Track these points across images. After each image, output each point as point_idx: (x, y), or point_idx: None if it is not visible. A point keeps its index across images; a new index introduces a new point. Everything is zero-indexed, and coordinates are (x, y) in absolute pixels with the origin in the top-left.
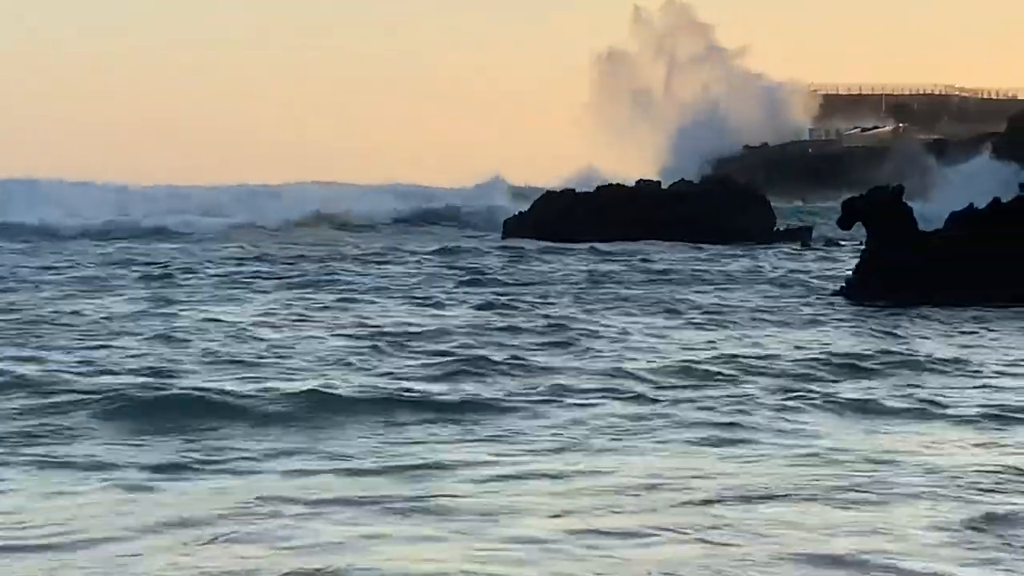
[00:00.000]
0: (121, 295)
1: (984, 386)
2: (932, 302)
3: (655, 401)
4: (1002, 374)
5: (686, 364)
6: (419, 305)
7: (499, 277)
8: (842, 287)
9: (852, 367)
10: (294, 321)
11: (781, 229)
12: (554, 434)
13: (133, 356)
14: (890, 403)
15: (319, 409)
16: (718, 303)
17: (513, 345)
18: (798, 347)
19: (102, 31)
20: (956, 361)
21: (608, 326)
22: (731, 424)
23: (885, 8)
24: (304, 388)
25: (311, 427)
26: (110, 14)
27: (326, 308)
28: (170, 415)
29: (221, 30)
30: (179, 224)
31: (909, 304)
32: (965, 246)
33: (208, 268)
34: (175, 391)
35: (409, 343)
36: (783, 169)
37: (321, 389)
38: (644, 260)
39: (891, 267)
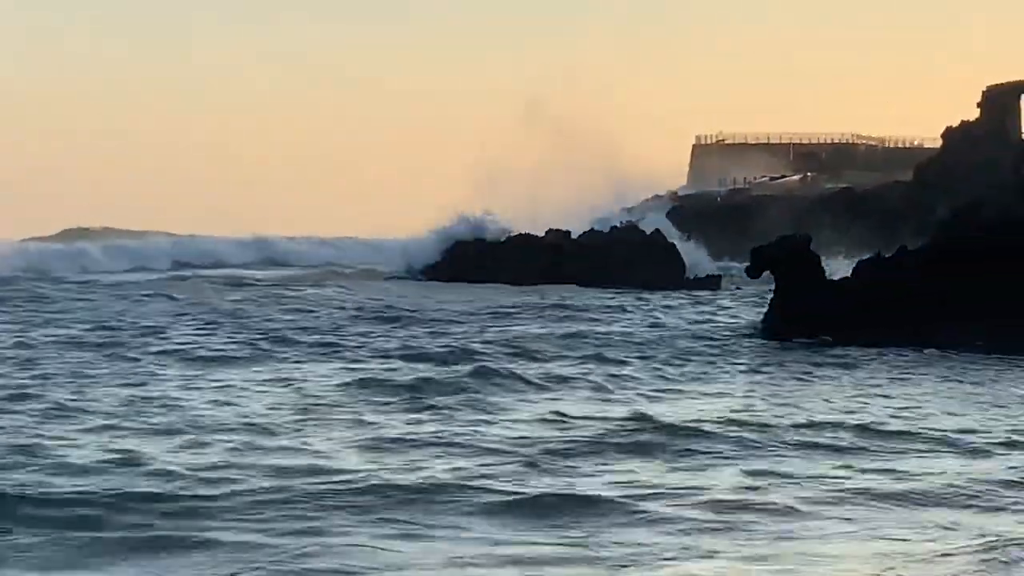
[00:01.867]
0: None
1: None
2: (841, 345)
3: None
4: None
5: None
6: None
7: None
8: (751, 333)
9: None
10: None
11: (691, 277)
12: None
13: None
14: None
15: None
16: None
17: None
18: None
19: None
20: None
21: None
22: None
23: (792, 58)
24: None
25: None
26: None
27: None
28: None
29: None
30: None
31: (816, 348)
32: (872, 291)
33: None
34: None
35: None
36: (694, 219)
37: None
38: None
39: (800, 313)
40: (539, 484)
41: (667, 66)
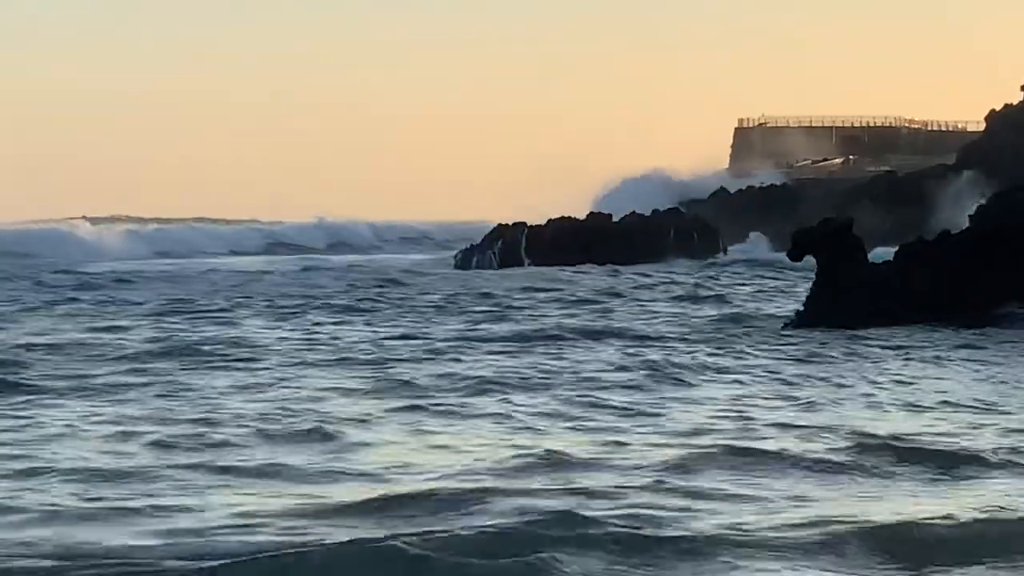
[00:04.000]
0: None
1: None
2: (884, 328)
3: None
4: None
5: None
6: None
7: None
8: (791, 319)
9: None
10: None
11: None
12: None
13: None
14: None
15: None
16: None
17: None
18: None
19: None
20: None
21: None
22: None
23: (836, 41)
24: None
25: None
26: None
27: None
28: None
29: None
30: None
31: (859, 332)
32: (915, 275)
33: None
34: None
35: None
36: (735, 201)
37: None
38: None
39: (843, 296)
40: None
41: (710, 49)
